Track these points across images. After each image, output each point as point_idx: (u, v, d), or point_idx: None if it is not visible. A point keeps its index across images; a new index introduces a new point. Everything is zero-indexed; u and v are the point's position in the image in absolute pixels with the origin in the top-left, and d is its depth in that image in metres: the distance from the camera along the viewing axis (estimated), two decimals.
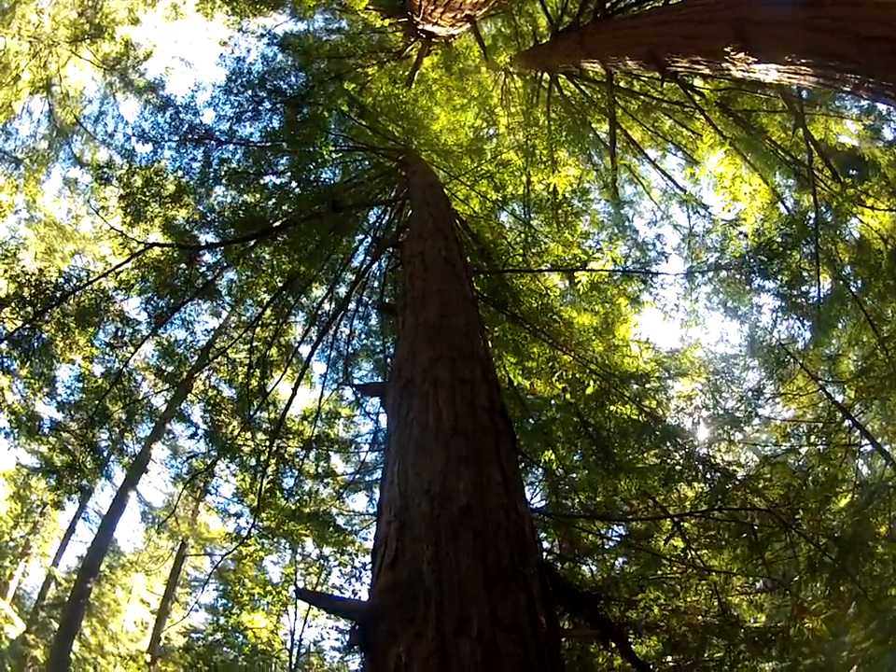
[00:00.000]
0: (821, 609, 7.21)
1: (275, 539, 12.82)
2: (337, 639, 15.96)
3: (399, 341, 4.44)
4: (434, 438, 3.01)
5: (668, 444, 7.74)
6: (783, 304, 9.61)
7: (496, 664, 1.95)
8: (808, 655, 7.64)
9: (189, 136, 10.44)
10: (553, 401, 8.87)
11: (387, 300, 10.94)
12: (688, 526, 7.24)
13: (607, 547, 8.55)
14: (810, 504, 7.16)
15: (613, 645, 5.93)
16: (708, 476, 7.31)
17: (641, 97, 13.09)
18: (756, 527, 6.80)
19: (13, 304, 8.38)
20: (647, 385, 8.18)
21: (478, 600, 2.15)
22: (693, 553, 7.03)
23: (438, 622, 2.08)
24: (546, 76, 13.51)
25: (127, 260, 9.27)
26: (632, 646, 6.25)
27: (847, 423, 10.03)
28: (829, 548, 7.00)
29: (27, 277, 8.45)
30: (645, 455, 7.97)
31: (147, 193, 9.85)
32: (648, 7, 10.76)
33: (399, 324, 4.75)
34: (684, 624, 6.62)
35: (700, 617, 6.78)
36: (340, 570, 13.96)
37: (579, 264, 8.72)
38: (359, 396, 12.00)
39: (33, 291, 8.36)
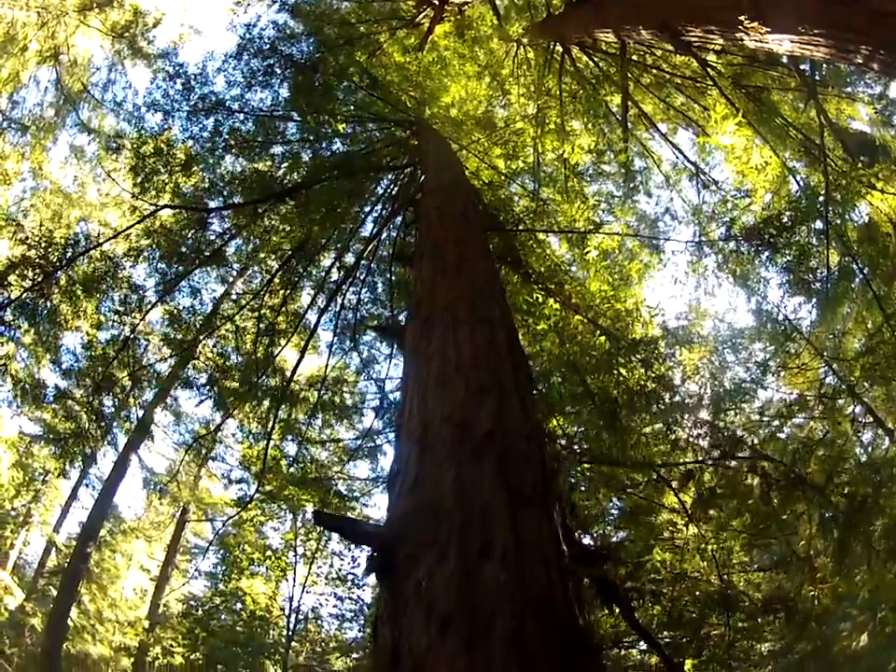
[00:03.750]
0: (829, 577, 7.24)
1: (276, 505, 12.86)
2: (335, 606, 16.06)
3: (418, 283, 4.44)
4: (455, 370, 3.02)
5: (676, 411, 7.74)
6: (790, 279, 9.60)
7: (519, 585, 1.95)
8: (816, 621, 7.64)
9: (200, 106, 10.38)
10: (559, 370, 8.85)
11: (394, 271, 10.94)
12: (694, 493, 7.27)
13: (609, 519, 8.59)
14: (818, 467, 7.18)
15: (616, 610, 5.96)
16: (718, 438, 7.34)
17: (654, 71, 13.01)
18: (767, 477, 6.81)
19: (20, 267, 8.30)
20: (655, 352, 8.17)
21: (502, 523, 2.15)
22: (698, 518, 7.06)
23: (460, 544, 2.08)
24: (559, 48, 13.43)
25: (137, 222, 9.22)
26: (635, 613, 6.28)
27: (852, 400, 10.04)
28: (840, 506, 6.99)
29: (36, 239, 8.39)
30: (652, 421, 7.97)
31: (158, 162, 9.77)
32: None
33: (416, 270, 4.74)
34: (686, 592, 6.65)
35: (703, 583, 6.82)
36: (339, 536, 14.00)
37: (592, 227, 8.70)
38: (365, 357, 12.02)
39: (41, 253, 8.28)
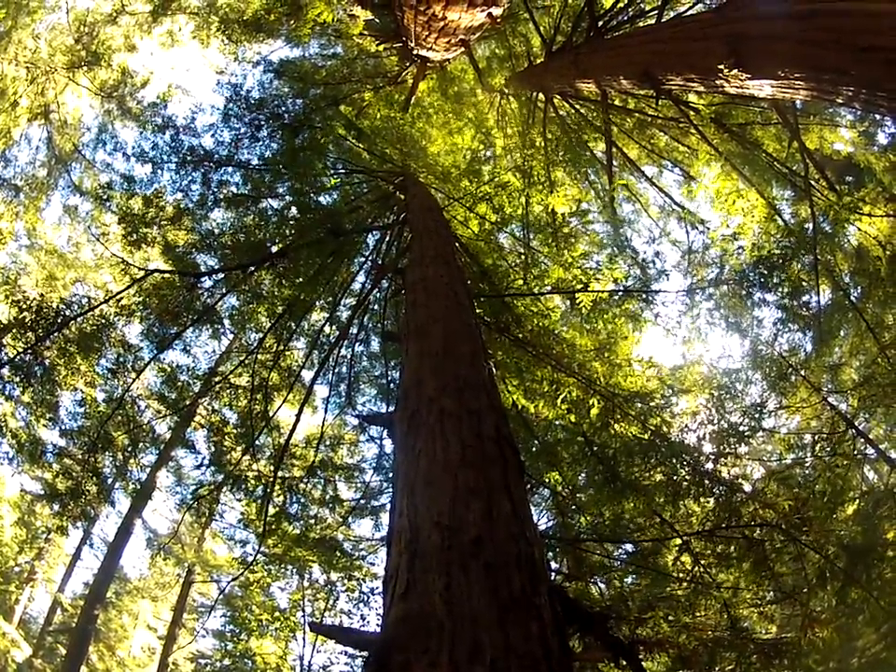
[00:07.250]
0: (831, 619, 7.19)
1: (282, 566, 12.75)
2: (346, 664, 15.86)
3: (404, 370, 4.47)
4: (443, 469, 3.05)
5: (674, 461, 7.73)
6: (784, 316, 9.64)
7: None
8: (819, 663, 7.58)
9: (189, 158, 10.48)
10: (557, 423, 8.87)
11: (389, 325, 10.97)
12: (696, 543, 7.23)
13: (615, 565, 8.53)
14: (817, 514, 7.15)
15: (624, 663, 5.91)
16: (715, 491, 7.32)
17: (636, 115, 13.16)
18: (764, 541, 6.79)
19: (15, 330, 8.36)
20: (651, 404, 8.19)
21: (490, 630, 2.18)
22: (701, 569, 7.02)
23: (451, 652, 2.11)
24: (541, 96, 13.60)
25: (128, 287, 9.28)
26: (642, 663, 6.23)
27: (851, 432, 10.02)
28: (838, 557, 6.99)
29: (29, 302, 8.45)
30: (651, 473, 7.97)
31: (147, 216, 9.87)
32: (640, 26, 10.85)
33: (403, 352, 4.78)
34: (694, 640, 6.60)
35: (710, 632, 6.76)
36: (347, 595, 13.88)
37: (580, 286, 8.75)
38: (365, 424, 12.00)
39: (34, 317, 8.34)
